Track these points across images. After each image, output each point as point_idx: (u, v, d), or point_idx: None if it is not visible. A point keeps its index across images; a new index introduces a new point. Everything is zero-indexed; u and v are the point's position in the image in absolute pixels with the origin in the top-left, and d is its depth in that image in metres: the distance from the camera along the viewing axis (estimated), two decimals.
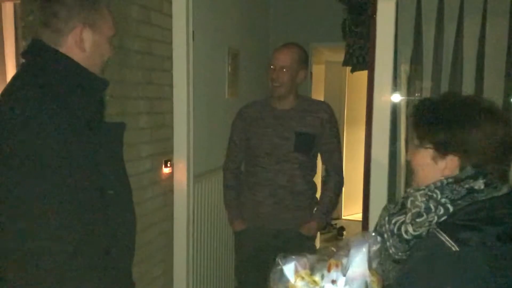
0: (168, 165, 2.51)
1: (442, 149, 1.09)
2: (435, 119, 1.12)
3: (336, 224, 5.41)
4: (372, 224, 2.22)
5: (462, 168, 1.08)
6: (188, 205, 2.60)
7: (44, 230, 1.07)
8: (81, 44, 1.21)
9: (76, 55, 1.21)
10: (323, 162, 2.44)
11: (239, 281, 2.61)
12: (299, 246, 2.24)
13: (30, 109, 1.08)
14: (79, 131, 1.16)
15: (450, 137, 1.08)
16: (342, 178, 2.43)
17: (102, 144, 1.24)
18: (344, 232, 5.33)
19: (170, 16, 2.48)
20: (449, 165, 1.09)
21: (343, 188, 2.50)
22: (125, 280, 1.38)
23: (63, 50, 1.20)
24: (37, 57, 1.21)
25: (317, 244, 2.93)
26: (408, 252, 1.11)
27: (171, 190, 2.57)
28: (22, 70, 1.22)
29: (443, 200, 1.06)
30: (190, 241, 2.63)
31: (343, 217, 5.81)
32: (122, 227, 1.32)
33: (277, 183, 2.31)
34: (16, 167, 1.06)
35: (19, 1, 2.63)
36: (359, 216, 5.24)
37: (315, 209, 2.41)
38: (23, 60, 1.24)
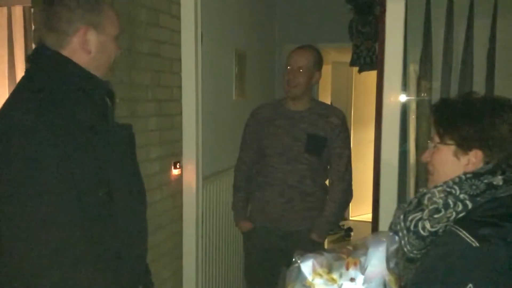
0: (177, 166, 2.51)
1: (465, 144, 1.09)
2: (458, 115, 1.12)
3: (343, 225, 5.39)
4: (382, 225, 2.21)
5: (486, 163, 1.08)
6: (197, 206, 2.60)
7: (47, 238, 1.05)
8: (86, 46, 1.19)
9: (82, 58, 1.19)
10: (329, 169, 2.38)
11: (248, 282, 2.61)
12: (307, 249, 2.21)
13: (29, 118, 1.06)
14: (82, 135, 1.13)
15: (475, 131, 1.08)
16: (347, 187, 2.36)
17: (109, 148, 1.22)
18: (352, 233, 5.31)
19: (179, 18, 2.48)
20: (473, 160, 1.09)
21: (350, 197, 2.42)
22: (142, 282, 1.37)
23: (67, 52, 1.18)
24: (39, 62, 1.19)
25: (325, 245, 2.91)
26: (423, 250, 1.10)
27: (180, 192, 2.57)
28: (24, 77, 1.20)
29: (462, 196, 1.05)
30: (199, 242, 2.63)
31: (350, 218, 5.79)
32: (133, 230, 1.30)
33: (287, 183, 2.31)
34: (15, 177, 1.05)
35: (28, 5, 2.65)
36: (367, 217, 5.22)
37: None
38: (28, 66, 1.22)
